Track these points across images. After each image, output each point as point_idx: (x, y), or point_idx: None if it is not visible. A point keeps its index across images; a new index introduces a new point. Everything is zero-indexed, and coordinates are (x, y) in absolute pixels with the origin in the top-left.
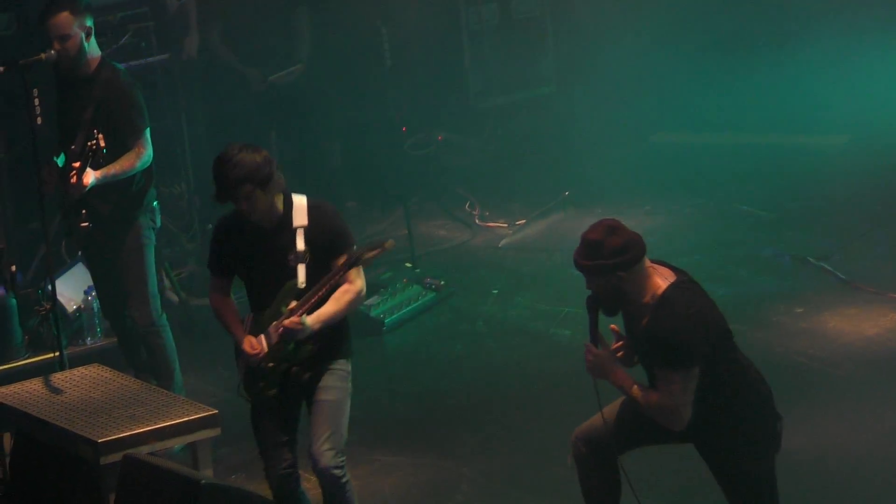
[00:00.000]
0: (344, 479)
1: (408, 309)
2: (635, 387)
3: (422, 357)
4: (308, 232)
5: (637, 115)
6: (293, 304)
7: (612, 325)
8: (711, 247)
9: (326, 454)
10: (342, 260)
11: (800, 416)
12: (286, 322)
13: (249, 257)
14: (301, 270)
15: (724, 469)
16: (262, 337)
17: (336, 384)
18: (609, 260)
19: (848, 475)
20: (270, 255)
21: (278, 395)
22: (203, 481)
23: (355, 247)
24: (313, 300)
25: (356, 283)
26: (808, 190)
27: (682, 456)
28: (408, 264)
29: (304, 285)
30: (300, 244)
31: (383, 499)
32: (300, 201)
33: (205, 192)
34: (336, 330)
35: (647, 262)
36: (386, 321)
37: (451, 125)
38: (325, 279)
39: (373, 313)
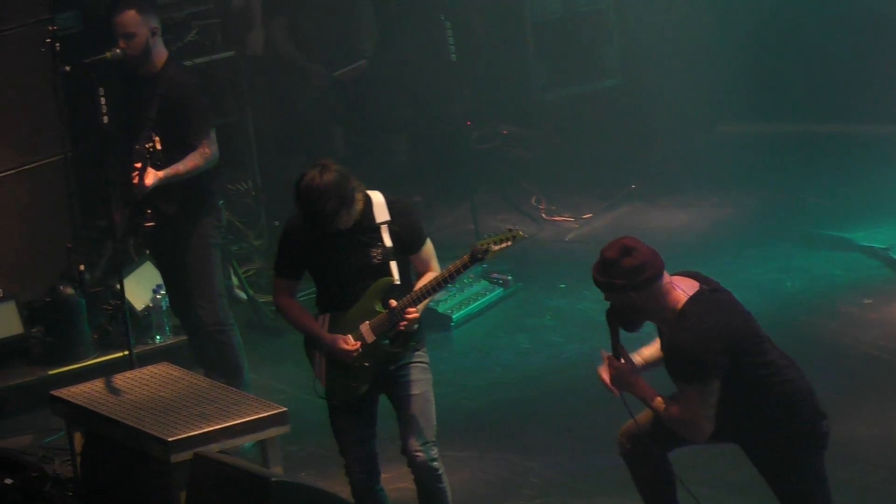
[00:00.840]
0: (440, 471)
1: (475, 304)
2: (657, 398)
3: (489, 351)
4: (391, 227)
5: (703, 105)
6: (393, 302)
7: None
8: (778, 238)
9: (423, 448)
10: (467, 255)
11: (869, 406)
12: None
13: (326, 257)
14: (394, 267)
15: (770, 470)
16: (350, 336)
17: (420, 376)
18: (622, 280)
19: None
20: (352, 253)
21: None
22: (273, 478)
23: (484, 239)
24: (429, 295)
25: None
26: (874, 179)
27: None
28: None
29: (398, 282)
30: (387, 240)
31: (451, 493)
32: (378, 198)
33: (271, 189)
34: None
35: (667, 279)
36: (454, 316)
37: (516, 118)
38: (443, 274)
39: (440, 309)
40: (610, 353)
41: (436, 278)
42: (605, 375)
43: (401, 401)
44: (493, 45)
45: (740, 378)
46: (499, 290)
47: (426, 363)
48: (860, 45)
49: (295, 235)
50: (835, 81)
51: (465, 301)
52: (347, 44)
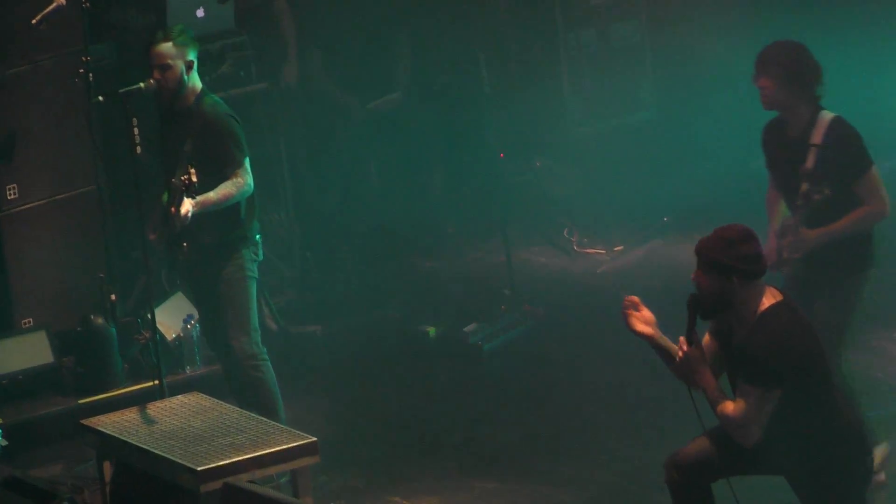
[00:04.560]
0: None
1: (506, 336)
2: (717, 392)
3: (520, 383)
4: (821, 154)
5: (737, 141)
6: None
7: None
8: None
9: None
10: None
11: None
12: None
13: (777, 158)
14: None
15: (813, 501)
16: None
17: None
18: (734, 263)
19: None
20: (784, 164)
21: None
22: None
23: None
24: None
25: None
26: None
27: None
28: (506, 291)
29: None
30: (810, 161)
31: None
32: (825, 117)
33: (305, 220)
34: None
35: (762, 283)
36: (484, 347)
37: (550, 151)
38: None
39: (471, 340)
40: (684, 337)
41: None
42: (640, 327)
43: None
44: (527, 78)
45: (800, 399)
46: (530, 322)
47: None
48: None
49: (765, 132)
50: (869, 117)
51: (495, 332)
52: (383, 76)
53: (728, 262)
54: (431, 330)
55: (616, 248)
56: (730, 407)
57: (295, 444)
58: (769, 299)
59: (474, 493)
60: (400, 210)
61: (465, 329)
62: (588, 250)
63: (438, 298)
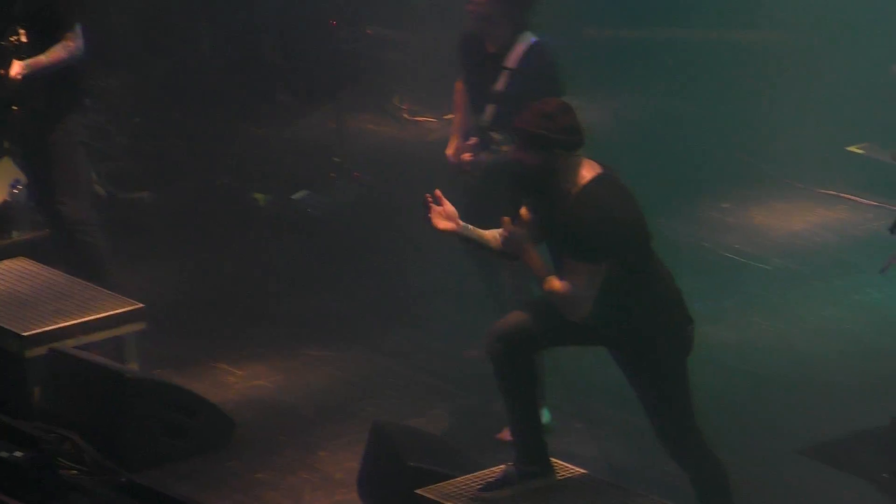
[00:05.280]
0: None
1: (336, 202)
2: (543, 270)
3: (350, 252)
4: (512, 78)
5: (570, 8)
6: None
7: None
8: (637, 143)
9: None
10: None
11: (728, 311)
12: None
13: (470, 70)
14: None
15: (635, 372)
16: None
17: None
18: (556, 135)
19: (776, 369)
20: (477, 77)
21: None
22: (128, 374)
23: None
24: None
25: None
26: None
27: None
28: (336, 158)
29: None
30: (500, 84)
31: (310, 393)
32: (525, 41)
33: (136, 86)
34: None
35: (581, 155)
36: (313, 215)
37: (383, 19)
38: None
39: (301, 207)
40: (509, 218)
41: None
42: (442, 224)
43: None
44: None
45: (622, 271)
46: (359, 189)
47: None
48: None
49: (463, 38)
50: None
51: (325, 199)
52: None
53: (549, 134)
54: (261, 197)
55: (446, 117)
56: (559, 285)
57: (122, 311)
58: (589, 171)
59: (302, 361)
60: (231, 76)
61: (295, 196)
62: (418, 118)
63: (268, 166)
